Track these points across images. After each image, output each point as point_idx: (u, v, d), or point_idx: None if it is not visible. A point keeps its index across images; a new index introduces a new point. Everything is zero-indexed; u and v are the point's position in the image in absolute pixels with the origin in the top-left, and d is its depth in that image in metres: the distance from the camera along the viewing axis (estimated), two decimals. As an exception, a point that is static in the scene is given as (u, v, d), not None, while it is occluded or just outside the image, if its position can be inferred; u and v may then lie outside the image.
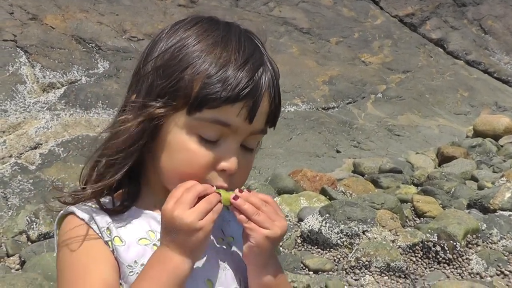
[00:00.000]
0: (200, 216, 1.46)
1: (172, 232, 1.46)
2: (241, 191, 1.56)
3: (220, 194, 1.53)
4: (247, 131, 1.57)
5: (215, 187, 1.53)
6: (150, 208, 1.65)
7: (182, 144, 1.54)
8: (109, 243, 1.55)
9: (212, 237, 1.63)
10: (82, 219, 1.57)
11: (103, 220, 1.57)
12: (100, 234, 1.56)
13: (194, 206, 1.47)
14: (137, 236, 1.58)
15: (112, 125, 1.64)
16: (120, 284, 1.54)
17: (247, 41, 1.60)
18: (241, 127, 1.54)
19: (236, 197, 1.55)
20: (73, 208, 1.60)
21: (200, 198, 1.49)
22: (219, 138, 1.55)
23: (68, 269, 1.54)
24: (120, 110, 1.65)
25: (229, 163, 1.55)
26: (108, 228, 1.56)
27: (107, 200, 1.63)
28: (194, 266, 1.54)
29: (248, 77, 1.52)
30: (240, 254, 1.64)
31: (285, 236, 5.79)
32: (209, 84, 1.50)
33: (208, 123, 1.52)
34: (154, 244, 1.58)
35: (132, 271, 1.53)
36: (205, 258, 1.61)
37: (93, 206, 1.61)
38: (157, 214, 1.61)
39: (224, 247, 1.69)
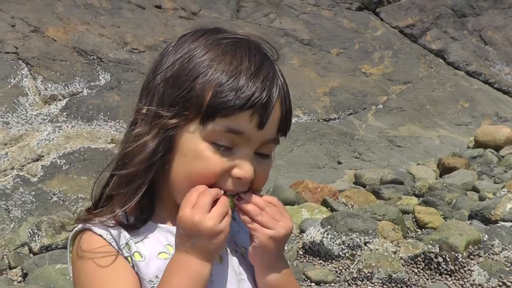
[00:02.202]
0: (220, 219, 1.49)
1: (193, 237, 1.48)
2: (245, 193, 1.58)
3: (228, 197, 1.56)
4: (259, 139, 1.57)
5: (222, 191, 1.55)
6: (165, 222, 1.65)
7: (196, 152, 1.54)
8: (129, 258, 1.55)
9: (227, 249, 1.66)
10: (100, 235, 1.57)
11: (122, 235, 1.57)
12: (119, 250, 1.56)
13: (210, 209, 1.49)
14: (156, 250, 1.59)
15: (126, 140, 1.64)
16: None
17: (256, 50, 1.61)
18: (254, 135, 1.55)
19: (239, 198, 1.57)
20: (89, 225, 1.59)
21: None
22: (233, 147, 1.55)
23: (88, 286, 1.54)
24: (131, 124, 1.65)
25: (243, 171, 1.56)
26: (127, 243, 1.56)
27: (121, 216, 1.62)
28: (214, 279, 1.57)
29: (261, 85, 1.53)
30: None
31: (287, 248, 5.79)
32: (221, 93, 1.50)
33: (222, 132, 1.52)
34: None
35: (153, 287, 1.53)
36: (224, 270, 1.63)
37: (109, 220, 1.60)
38: (173, 228, 1.60)
39: (238, 258, 1.69)
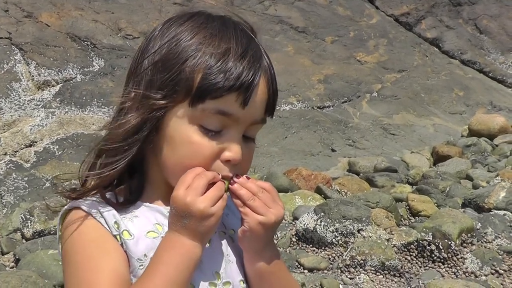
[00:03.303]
0: (212, 203, 1.50)
1: (184, 218, 1.49)
2: (239, 177, 1.59)
3: (224, 182, 1.56)
4: (248, 120, 1.59)
5: (220, 175, 1.56)
6: (155, 202, 1.66)
7: (185, 136, 1.55)
8: (118, 237, 1.55)
9: (216, 231, 1.66)
10: (89, 213, 1.57)
11: (110, 214, 1.58)
12: (108, 228, 1.56)
13: (204, 192, 1.50)
14: (145, 229, 1.59)
15: (111, 120, 1.65)
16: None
17: (242, 32, 1.62)
18: (243, 116, 1.56)
19: (233, 182, 1.58)
20: (78, 203, 1.60)
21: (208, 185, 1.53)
22: (222, 129, 1.56)
23: (77, 261, 1.53)
24: (118, 109, 1.65)
25: (233, 153, 1.57)
26: (116, 222, 1.57)
27: (109, 196, 1.63)
28: (203, 259, 1.57)
29: (249, 66, 1.55)
30: None
31: (280, 235, 5.79)
32: (210, 75, 1.51)
33: (211, 113, 1.53)
34: (163, 237, 1.57)
35: (142, 265, 1.54)
36: (212, 251, 1.64)
37: (98, 200, 1.61)
38: (162, 208, 1.63)
39: (227, 240, 1.70)
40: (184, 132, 1.55)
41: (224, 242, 1.69)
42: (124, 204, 1.62)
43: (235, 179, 1.59)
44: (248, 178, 1.61)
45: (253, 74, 1.55)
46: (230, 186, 1.58)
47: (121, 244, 1.55)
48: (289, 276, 1.77)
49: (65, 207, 1.63)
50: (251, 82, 1.54)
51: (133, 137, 1.56)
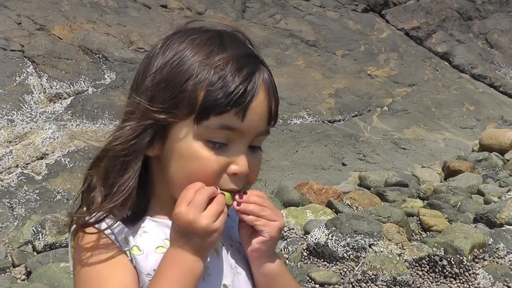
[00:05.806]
0: (215, 218, 1.52)
1: (187, 235, 1.51)
2: (241, 195, 1.62)
3: (224, 194, 1.58)
4: (253, 133, 1.61)
5: (218, 189, 1.58)
6: (161, 217, 1.68)
7: (193, 152, 1.57)
8: (127, 252, 1.58)
9: (223, 243, 1.71)
10: (98, 229, 1.59)
11: (120, 230, 1.60)
12: (118, 244, 1.58)
13: (205, 207, 1.52)
14: (154, 244, 1.62)
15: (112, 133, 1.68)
16: None
17: (240, 45, 1.64)
18: (247, 130, 1.58)
19: (239, 203, 1.62)
20: (88, 219, 1.60)
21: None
22: (228, 143, 1.58)
23: (87, 281, 1.56)
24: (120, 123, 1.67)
25: (239, 167, 1.59)
26: (126, 237, 1.59)
27: (116, 210, 1.63)
28: (210, 272, 1.61)
29: (249, 81, 1.57)
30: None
31: (291, 249, 5.79)
32: (212, 92, 1.53)
33: (216, 129, 1.55)
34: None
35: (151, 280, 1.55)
36: (220, 264, 1.67)
37: (106, 214, 1.61)
38: (170, 222, 1.63)
39: (234, 252, 1.73)
40: (191, 148, 1.57)
41: (231, 254, 1.72)
42: (133, 219, 1.64)
43: (238, 199, 1.62)
44: (246, 193, 1.64)
45: (251, 87, 1.57)
46: (237, 207, 1.61)
47: (131, 260, 1.58)
48: (289, 273, 1.82)
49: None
50: (247, 96, 1.56)
51: (133, 143, 1.58)
